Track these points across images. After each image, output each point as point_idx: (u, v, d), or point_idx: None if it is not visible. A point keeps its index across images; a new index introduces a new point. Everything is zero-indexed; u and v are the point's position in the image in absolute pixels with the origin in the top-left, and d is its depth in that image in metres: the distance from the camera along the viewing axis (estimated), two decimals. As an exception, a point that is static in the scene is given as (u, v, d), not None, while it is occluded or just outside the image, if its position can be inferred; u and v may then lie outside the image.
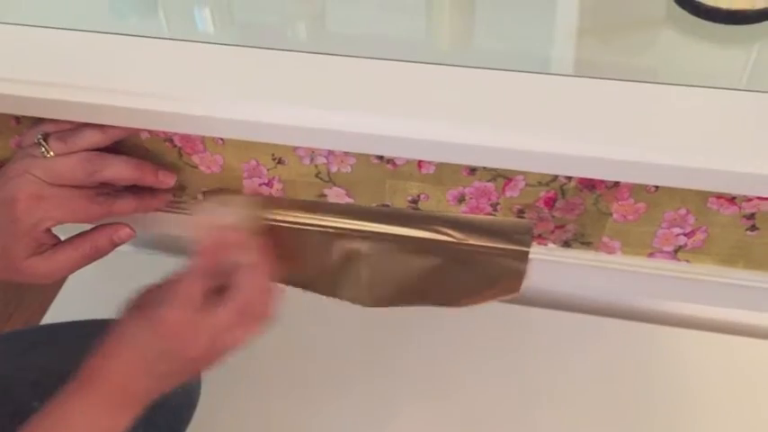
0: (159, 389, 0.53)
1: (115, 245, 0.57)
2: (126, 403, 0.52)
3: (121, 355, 0.52)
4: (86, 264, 0.56)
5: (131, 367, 0.51)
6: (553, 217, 0.52)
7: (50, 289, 1.22)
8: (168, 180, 0.54)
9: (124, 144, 0.53)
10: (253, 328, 0.52)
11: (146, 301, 0.53)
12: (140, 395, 0.52)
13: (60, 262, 0.54)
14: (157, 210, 0.57)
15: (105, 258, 0.58)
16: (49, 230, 0.53)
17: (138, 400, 0.52)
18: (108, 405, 0.51)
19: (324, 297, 0.61)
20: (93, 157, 0.52)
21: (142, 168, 0.53)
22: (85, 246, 0.55)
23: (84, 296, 0.61)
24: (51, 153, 0.51)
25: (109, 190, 0.54)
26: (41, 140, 0.51)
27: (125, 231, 0.57)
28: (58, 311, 1.18)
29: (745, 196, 0.47)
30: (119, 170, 0.52)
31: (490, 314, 1.16)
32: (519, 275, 0.55)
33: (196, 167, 0.54)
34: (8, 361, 0.71)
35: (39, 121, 0.54)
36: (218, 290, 0.51)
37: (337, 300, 0.60)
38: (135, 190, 0.55)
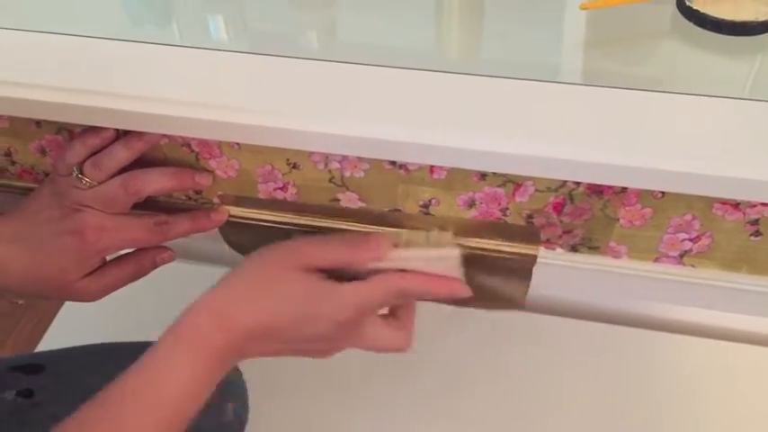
0: (276, 354, 0.51)
1: (157, 266, 0.60)
2: (237, 356, 0.50)
3: (263, 310, 0.50)
4: (130, 282, 0.59)
5: (266, 328, 0.50)
6: (561, 222, 0.53)
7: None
8: (205, 181, 0.55)
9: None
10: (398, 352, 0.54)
11: (316, 264, 0.51)
12: (256, 353, 0.51)
13: (107, 282, 0.58)
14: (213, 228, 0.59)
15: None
16: (106, 255, 0.57)
17: (250, 355, 0.50)
18: (221, 354, 0.49)
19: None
20: (131, 179, 0.54)
21: (178, 176, 0.55)
22: (130, 267, 0.59)
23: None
24: (90, 181, 0.54)
25: (166, 217, 0.57)
26: (77, 173, 0.54)
27: (168, 254, 0.60)
28: (69, 313, 1.20)
29: (749, 202, 0.48)
30: (158, 184, 0.54)
31: (498, 320, 1.17)
32: (527, 279, 0.56)
33: (212, 172, 0.55)
34: (70, 379, 0.70)
35: (60, 128, 0.55)
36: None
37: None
38: (190, 213, 0.58)
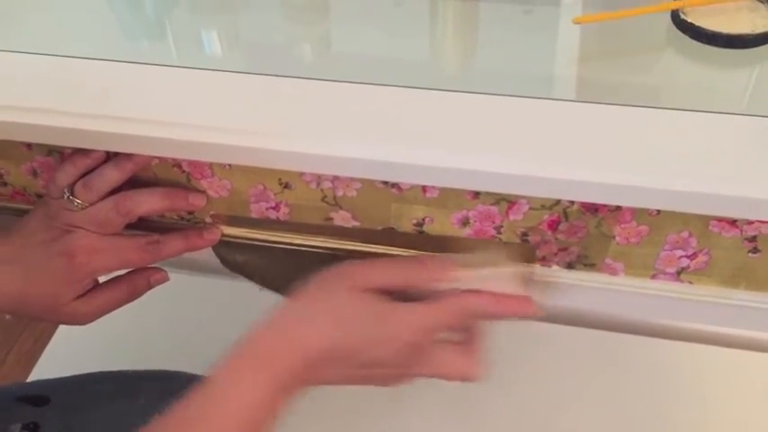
0: (341, 383, 0.50)
1: (151, 287, 0.59)
2: (301, 383, 0.48)
3: (324, 334, 0.48)
4: (123, 305, 0.59)
5: (328, 352, 0.48)
6: (557, 240, 0.52)
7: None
8: (198, 201, 0.55)
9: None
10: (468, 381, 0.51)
11: (378, 284, 0.50)
12: (319, 381, 0.48)
13: (100, 304, 0.57)
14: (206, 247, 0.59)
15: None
16: (97, 277, 0.57)
17: (313, 383, 0.48)
18: (283, 385, 0.47)
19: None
20: (123, 199, 0.53)
21: (171, 196, 0.54)
22: (123, 288, 0.58)
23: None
24: (81, 202, 0.53)
25: (158, 237, 0.56)
26: (68, 195, 0.53)
27: (161, 275, 0.59)
28: (70, 329, 1.19)
29: (746, 219, 0.47)
30: (151, 204, 0.54)
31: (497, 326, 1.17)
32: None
33: (204, 192, 0.55)
34: (76, 413, 0.69)
35: (51, 150, 0.55)
36: None
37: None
38: (182, 232, 0.57)
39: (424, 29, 0.57)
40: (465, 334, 0.52)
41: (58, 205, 0.54)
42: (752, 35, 0.51)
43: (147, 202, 0.54)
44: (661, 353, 1.14)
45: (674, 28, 0.52)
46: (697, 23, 0.52)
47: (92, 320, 0.57)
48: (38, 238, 0.55)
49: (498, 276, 0.50)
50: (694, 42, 0.52)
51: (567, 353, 1.15)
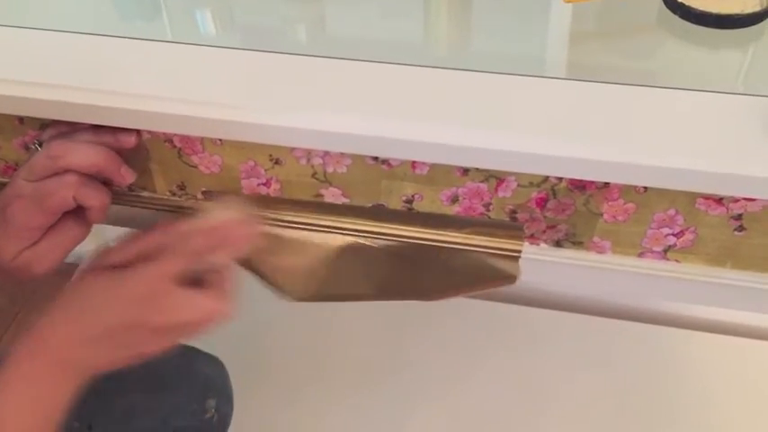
0: (111, 358, 0.51)
1: (98, 214, 0.55)
2: (68, 373, 0.50)
3: (69, 318, 0.50)
4: (77, 242, 0.56)
5: (77, 332, 0.50)
6: (545, 217, 0.52)
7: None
8: (129, 177, 0.54)
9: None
10: (220, 319, 0.52)
11: (112, 263, 0.51)
12: (86, 363, 0.50)
13: (50, 248, 0.55)
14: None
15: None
16: (38, 226, 0.54)
17: (82, 368, 0.50)
18: (49, 375, 0.49)
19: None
20: (56, 143, 0.51)
21: (106, 158, 0.52)
22: (68, 224, 0.55)
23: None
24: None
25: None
26: (37, 146, 0.53)
27: (99, 197, 0.54)
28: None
29: (732, 197, 0.48)
30: (84, 157, 0.51)
31: (492, 314, 1.17)
32: (511, 275, 0.56)
33: (195, 167, 0.55)
34: None
35: (43, 124, 0.55)
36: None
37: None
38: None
39: (417, 6, 0.57)
40: (209, 276, 0.53)
41: (25, 160, 0.53)
42: (742, 15, 0.51)
43: (81, 153, 0.51)
44: (648, 338, 1.15)
45: (665, 7, 0.53)
46: (687, 3, 0.52)
47: (49, 267, 0.55)
48: None
49: (220, 218, 0.53)
50: (684, 22, 0.52)
51: (556, 338, 1.15)
